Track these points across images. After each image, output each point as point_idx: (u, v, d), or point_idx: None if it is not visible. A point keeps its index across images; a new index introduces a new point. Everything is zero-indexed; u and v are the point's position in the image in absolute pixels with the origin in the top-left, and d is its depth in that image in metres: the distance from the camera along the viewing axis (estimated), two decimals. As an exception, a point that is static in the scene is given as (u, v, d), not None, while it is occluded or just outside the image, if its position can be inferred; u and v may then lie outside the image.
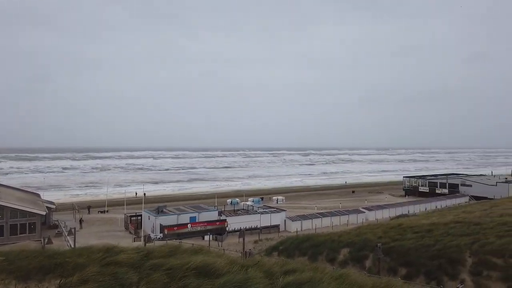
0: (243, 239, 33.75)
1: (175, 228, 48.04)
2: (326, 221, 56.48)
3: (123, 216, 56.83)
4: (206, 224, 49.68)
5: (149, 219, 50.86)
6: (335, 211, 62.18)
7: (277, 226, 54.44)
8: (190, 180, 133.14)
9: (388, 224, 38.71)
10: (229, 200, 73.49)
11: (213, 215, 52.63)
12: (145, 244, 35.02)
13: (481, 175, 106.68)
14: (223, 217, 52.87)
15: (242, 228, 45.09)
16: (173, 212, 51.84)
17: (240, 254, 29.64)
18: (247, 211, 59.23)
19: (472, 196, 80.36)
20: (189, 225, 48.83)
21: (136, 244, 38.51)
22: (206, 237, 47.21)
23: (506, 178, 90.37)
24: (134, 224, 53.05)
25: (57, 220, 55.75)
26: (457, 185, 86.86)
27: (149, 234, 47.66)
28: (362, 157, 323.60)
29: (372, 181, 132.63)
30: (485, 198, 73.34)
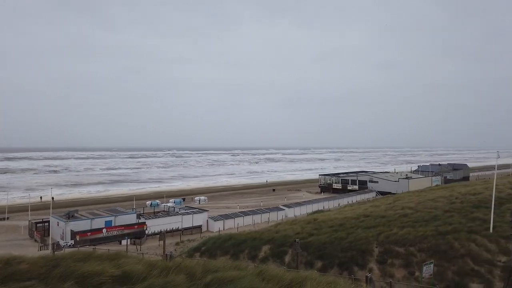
0: (164, 242, 32.78)
1: (89, 233, 44.85)
2: (248, 220, 57.45)
3: (27, 223, 51.42)
4: (123, 228, 47.21)
5: (58, 225, 46.72)
6: (256, 209, 63.57)
7: (199, 227, 53.90)
8: (112, 182, 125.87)
9: (305, 220, 40.66)
10: (148, 202, 70.87)
11: (131, 218, 50.19)
12: (53, 253, 32.07)
13: (386, 172, 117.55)
14: (142, 220, 50.73)
15: (162, 230, 43.76)
16: (86, 217, 48.35)
17: (161, 257, 28.75)
18: (167, 213, 57.67)
19: (379, 191, 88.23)
20: (104, 230, 45.94)
21: (43, 253, 35.10)
22: (124, 242, 44.86)
23: (406, 175, 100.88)
24: (40, 231, 48.33)
25: None
26: (366, 181, 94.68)
27: (58, 242, 43.77)
28: (285, 156, 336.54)
29: (291, 180, 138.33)
30: (389, 193, 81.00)
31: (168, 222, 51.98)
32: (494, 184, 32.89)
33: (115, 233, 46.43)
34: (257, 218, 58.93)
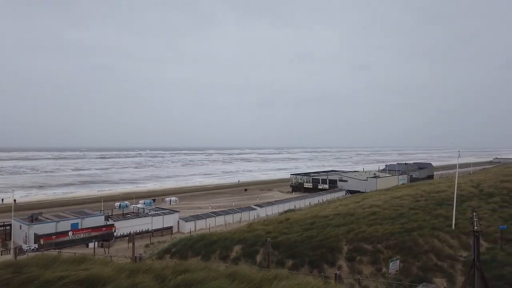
0: (133, 244, 32.14)
1: (54, 237, 43.20)
2: (220, 220, 57.21)
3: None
4: (90, 230, 45.80)
5: (20, 228, 44.74)
6: (228, 209, 63.42)
7: (170, 228, 53.14)
8: (80, 183, 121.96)
9: (277, 219, 41.00)
10: (117, 204, 69.25)
11: (99, 220, 48.81)
12: (15, 257, 30.74)
13: (355, 171, 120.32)
14: (110, 222, 49.44)
15: (132, 232, 42.86)
16: (51, 219, 46.59)
17: (130, 260, 28.15)
18: (137, 214, 56.53)
19: (348, 190, 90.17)
20: (70, 233, 44.39)
21: (4, 258, 33.54)
22: (91, 245, 43.55)
23: (374, 174, 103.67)
24: (1, 235, 46.15)
25: None
26: (336, 181, 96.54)
27: (21, 246, 41.91)
28: (260, 156, 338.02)
29: (264, 179, 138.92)
30: (358, 191, 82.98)
31: (137, 223, 50.93)
32: (456, 182, 34.41)
33: (82, 236, 44.97)
34: (229, 218, 58.81)
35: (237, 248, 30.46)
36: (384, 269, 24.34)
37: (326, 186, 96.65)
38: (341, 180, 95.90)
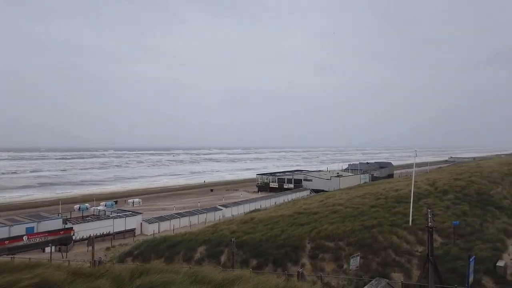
0: (93, 247, 31.08)
1: (6, 242, 40.94)
2: (185, 221, 56.51)
3: None
4: (47, 234, 43.79)
5: (-31, 234, 42.01)
6: (193, 210, 62.76)
7: (132, 230, 51.83)
8: (39, 185, 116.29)
9: (242, 219, 41.06)
10: (76, 206, 66.78)
11: (56, 224, 46.65)
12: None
13: (319, 171, 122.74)
14: (68, 225, 47.47)
15: (92, 235, 41.39)
16: (4, 224, 44.06)
17: (89, 264, 27.22)
18: (98, 217, 54.67)
19: (313, 189, 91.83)
20: (25, 237, 42.24)
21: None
22: (48, 249, 41.66)
23: (338, 173, 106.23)
24: None
25: None
26: (301, 180, 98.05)
27: (-30, 252, 39.39)
28: (228, 156, 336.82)
29: (230, 179, 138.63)
30: (322, 190, 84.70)
31: (98, 226, 49.27)
32: (413, 181, 36.00)
33: (37, 240, 42.91)
34: (194, 219, 58.21)
35: (201, 249, 30.22)
36: (345, 266, 25.02)
37: (292, 185, 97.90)
38: (306, 180, 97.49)
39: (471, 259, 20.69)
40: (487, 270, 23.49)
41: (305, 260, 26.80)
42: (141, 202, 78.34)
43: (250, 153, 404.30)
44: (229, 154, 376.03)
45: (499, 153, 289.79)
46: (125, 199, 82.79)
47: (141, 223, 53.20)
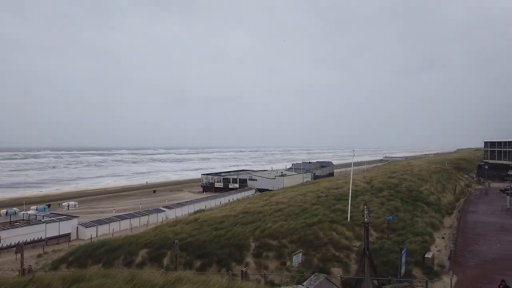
0: (22, 255, 28.70)
1: None
2: (125, 224, 54.28)
3: None
4: (-32, 242, 39.77)
5: None
6: (134, 212, 60.50)
7: (67, 235, 48.73)
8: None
9: (186, 220, 40.33)
10: (3, 211, 61.38)
11: (-21, 231, 42.61)
12: None
13: (264, 170, 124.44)
14: (-6, 232, 43.50)
15: (21, 242, 38.29)
16: None
17: (18, 273, 25.15)
18: (28, 222, 50.72)
19: (258, 189, 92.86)
20: None
21: None
22: (-31, 259, 37.80)
23: (282, 173, 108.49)
24: None
25: None
26: (246, 180, 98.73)
27: None
28: (174, 156, 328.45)
29: (175, 180, 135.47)
30: (267, 190, 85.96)
31: (28, 232, 45.64)
32: (351, 179, 37.79)
33: (-44, 249, 38.79)
34: (135, 221, 56.12)
35: (142, 252, 29.20)
36: (288, 263, 25.56)
37: (237, 185, 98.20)
38: (251, 179, 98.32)
39: (402, 252, 22.20)
40: (417, 262, 25.34)
41: (249, 259, 26.97)
42: (77, 205, 73.94)
43: (198, 153, 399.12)
44: (176, 154, 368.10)
45: (427, 152, 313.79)
46: (59, 202, 77.63)
47: (77, 227, 50.20)
